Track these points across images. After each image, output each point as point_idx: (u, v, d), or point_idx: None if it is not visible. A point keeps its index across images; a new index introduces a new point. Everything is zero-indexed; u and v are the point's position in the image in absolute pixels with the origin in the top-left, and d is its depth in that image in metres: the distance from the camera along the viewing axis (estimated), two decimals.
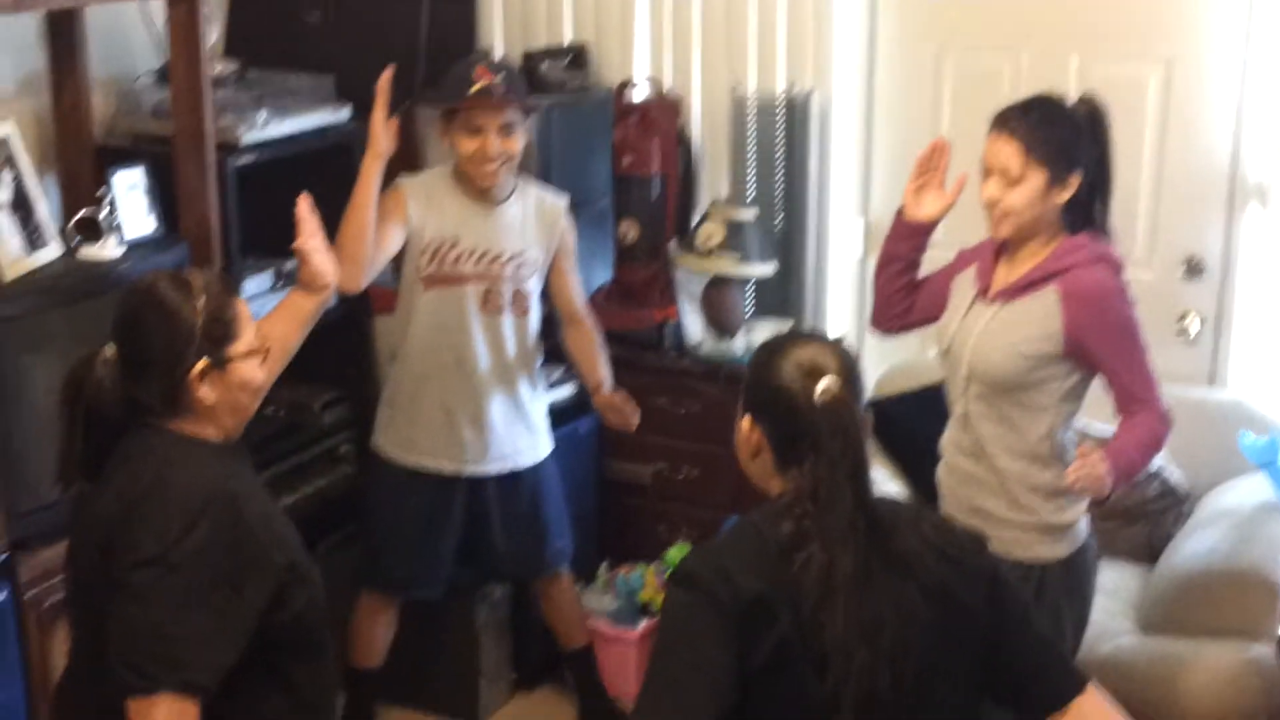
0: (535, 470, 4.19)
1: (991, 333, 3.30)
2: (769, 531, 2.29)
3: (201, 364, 2.67)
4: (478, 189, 3.98)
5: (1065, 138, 3.24)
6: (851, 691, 2.20)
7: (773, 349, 2.41)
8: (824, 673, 2.21)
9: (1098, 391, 3.33)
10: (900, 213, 3.55)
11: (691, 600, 2.25)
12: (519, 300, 4.06)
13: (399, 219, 3.95)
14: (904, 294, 3.58)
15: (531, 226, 4.07)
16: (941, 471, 3.50)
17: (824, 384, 2.30)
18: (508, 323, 4.05)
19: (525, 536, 4.21)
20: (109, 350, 2.69)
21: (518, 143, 3.95)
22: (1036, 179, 3.23)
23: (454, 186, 4.01)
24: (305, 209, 3.39)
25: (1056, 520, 3.32)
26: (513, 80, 3.98)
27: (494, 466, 4.12)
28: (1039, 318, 3.25)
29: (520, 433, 4.15)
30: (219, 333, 2.70)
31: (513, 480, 4.16)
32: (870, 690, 2.20)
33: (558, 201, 4.15)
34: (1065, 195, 3.26)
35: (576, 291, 4.24)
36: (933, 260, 3.65)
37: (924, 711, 2.29)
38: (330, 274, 3.40)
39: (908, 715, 2.26)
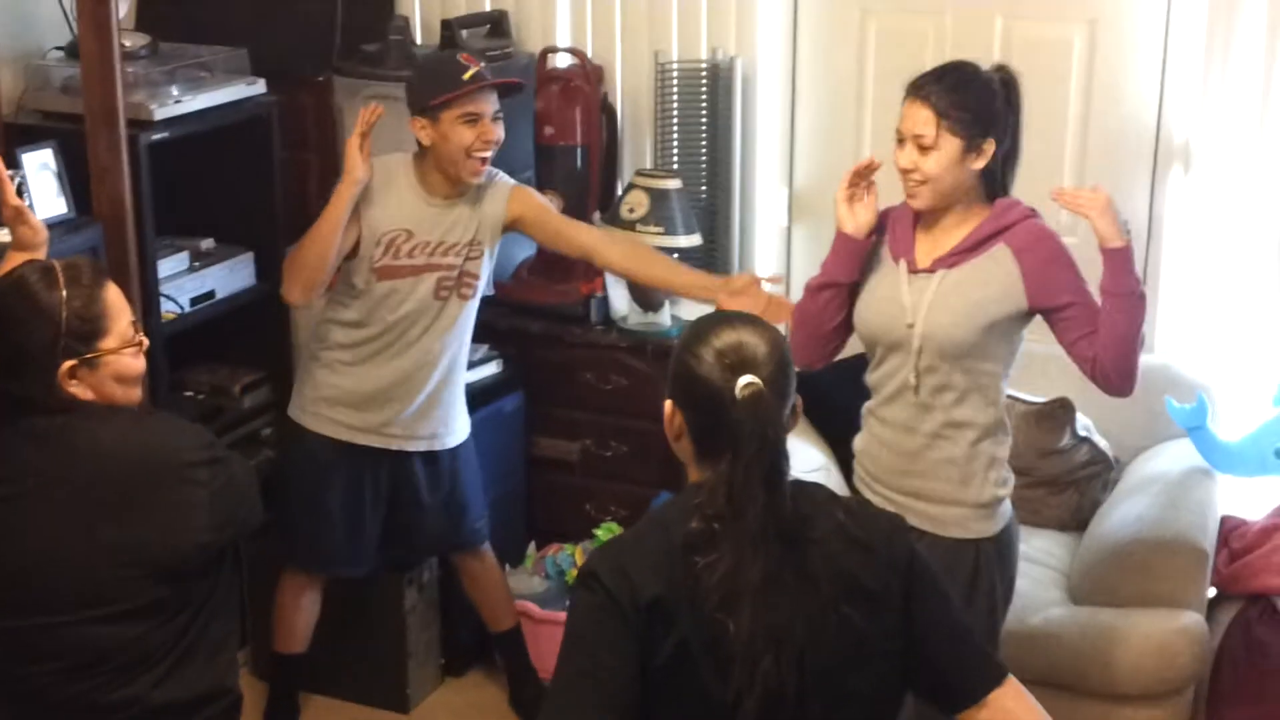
0: (455, 452, 4.17)
1: (944, 298, 3.25)
2: (676, 529, 2.22)
3: (69, 363, 2.64)
4: (453, 183, 3.91)
5: (980, 104, 3.21)
6: (756, 696, 2.15)
7: (699, 332, 2.29)
8: (726, 674, 2.16)
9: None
10: (839, 231, 3.40)
11: (592, 601, 2.20)
12: (466, 283, 4.00)
13: (353, 226, 3.89)
14: (840, 330, 3.46)
15: (481, 211, 3.99)
16: (870, 449, 3.44)
17: (744, 380, 2.19)
18: (454, 306, 4.00)
19: (444, 514, 4.19)
20: None
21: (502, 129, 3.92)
22: (951, 146, 3.20)
23: (415, 181, 3.94)
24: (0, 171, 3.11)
25: (993, 494, 3.31)
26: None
27: (421, 445, 4.10)
28: (997, 277, 3.23)
29: (453, 414, 4.13)
30: (85, 330, 2.65)
31: (434, 460, 4.14)
32: (775, 694, 2.15)
33: (503, 181, 4.05)
34: (981, 163, 3.23)
35: (578, 227, 4.15)
36: None
37: (837, 709, 2.24)
38: (43, 227, 3.15)
39: (820, 714, 2.21)
